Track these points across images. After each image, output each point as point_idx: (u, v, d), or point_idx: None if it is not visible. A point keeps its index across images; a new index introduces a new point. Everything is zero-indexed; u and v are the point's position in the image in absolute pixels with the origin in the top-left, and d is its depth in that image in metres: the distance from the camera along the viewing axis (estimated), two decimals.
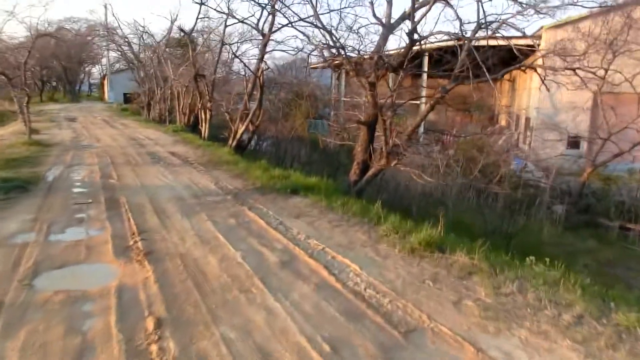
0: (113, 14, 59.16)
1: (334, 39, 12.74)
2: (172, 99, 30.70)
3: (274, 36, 19.77)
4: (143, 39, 40.17)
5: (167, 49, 34.61)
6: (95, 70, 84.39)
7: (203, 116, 23.12)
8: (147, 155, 16.19)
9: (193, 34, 25.85)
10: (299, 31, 19.42)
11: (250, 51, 48.18)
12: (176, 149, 17.85)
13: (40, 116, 35.57)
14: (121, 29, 42.96)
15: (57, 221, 8.11)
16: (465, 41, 10.45)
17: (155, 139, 21.40)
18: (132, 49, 43.02)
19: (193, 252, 6.48)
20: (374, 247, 6.59)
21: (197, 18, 23.53)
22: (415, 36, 10.90)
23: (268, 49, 19.91)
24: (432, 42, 12.45)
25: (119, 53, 47.70)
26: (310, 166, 27.37)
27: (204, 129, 22.86)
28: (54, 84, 77.46)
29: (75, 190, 10.71)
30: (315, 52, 15.90)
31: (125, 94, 59.49)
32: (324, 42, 12.96)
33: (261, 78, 18.53)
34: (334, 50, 12.91)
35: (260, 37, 19.68)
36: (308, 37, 15.63)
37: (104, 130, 25.86)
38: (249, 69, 19.02)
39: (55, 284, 5.59)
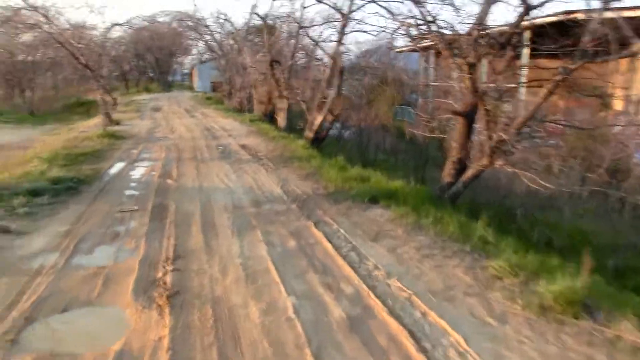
0: (195, 5, 59.67)
1: (423, 12, 10.61)
2: (250, 88, 29.70)
3: (355, 16, 17.89)
4: (224, 27, 39.70)
5: (247, 36, 33.69)
6: (187, 61, 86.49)
7: (279, 105, 21.71)
8: (216, 149, 14.95)
9: (273, 19, 24.41)
10: (382, 7, 17.28)
11: (334, 35, 46.42)
12: (248, 141, 16.51)
13: (128, 106, 36.16)
14: (204, 19, 42.80)
15: (90, 236, 6.82)
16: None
17: (229, 130, 20.31)
18: (215, 37, 42.74)
19: (231, 295, 4.82)
20: (483, 299, 4.57)
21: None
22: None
23: (348, 30, 18.05)
24: (542, 15, 10.01)
25: (204, 42, 47.71)
26: (395, 157, 25.43)
27: (280, 118, 21.46)
28: (151, 74, 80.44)
29: (127, 192, 9.52)
30: (400, 30, 13.82)
31: (212, 83, 60.37)
32: (411, 16, 10.89)
33: (339, 62, 16.69)
34: (423, 27, 10.80)
35: (340, 18, 17.86)
36: (392, 12, 13.60)
37: (183, 120, 25.30)
38: (327, 53, 17.24)
39: (42, 342, 4.14)
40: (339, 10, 17.74)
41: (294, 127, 22.29)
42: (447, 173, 9.98)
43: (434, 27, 10.51)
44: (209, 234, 6.80)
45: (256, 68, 24.83)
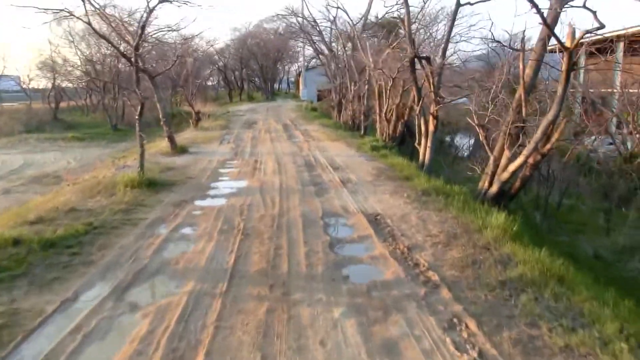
0: (304, 2, 52.91)
1: None
2: (369, 98, 21.94)
3: None
4: (336, 24, 32.41)
5: (365, 32, 26.08)
6: (293, 69, 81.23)
7: (423, 128, 13.66)
8: (322, 232, 7.22)
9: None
10: None
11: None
12: (382, 205, 8.65)
13: (216, 121, 30.00)
14: (312, 17, 35.86)
15: None
16: None
17: (343, 168, 12.60)
18: (323, 37, 35.67)
19: None
20: None
21: None
22: None
23: None
24: None
25: (308, 42, 41.01)
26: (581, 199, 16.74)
27: (424, 150, 13.40)
28: (256, 82, 76.10)
29: None
30: None
31: (318, 92, 54.15)
32: None
33: (574, 48, 8.17)
34: None
35: None
36: None
37: (276, 144, 18.08)
38: (548, 29, 8.69)
39: None
40: None
41: (441, 165, 14.22)
42: None
43: None
44: None
45: (382, 71, 16.98)
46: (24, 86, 43.35)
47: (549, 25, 7.92)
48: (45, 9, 13.96)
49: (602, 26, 6.92)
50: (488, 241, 6.43)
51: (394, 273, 5.57)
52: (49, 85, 40.91)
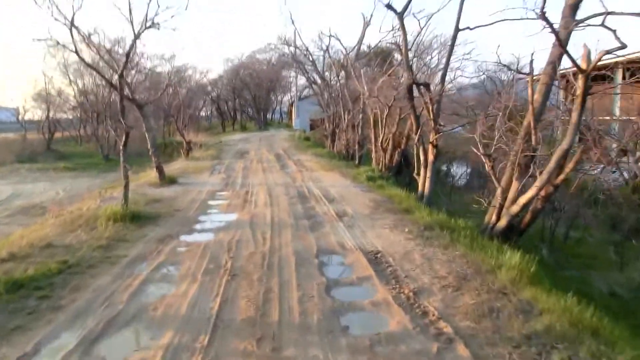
0: (297, 33, 52.47)
1: None
2: (364, 127, 21.49)
3: None
4: (329, 53, 32.19)
5: (358, 60, 25.82)
6: (286, 98, 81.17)
7: (422, 157, 13.09)
8: (317, 270, 6.57)
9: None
10: None
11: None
12: (382, 240, 8.00)
13: (208, 150, 29.46)
14: (305, 46, 35.69)
15: None
16: None
17: (339, 200, 11.97)
18: (316, 67, 35.48)
19: None
20: None
21: None
22: None
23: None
24: None
25: (301, 72, 40.88)
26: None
27: (423, 181, 12.81)
28: (250, 112, 75.94)
29: None
30: None
31: (311, 121, 53.91)
32: None
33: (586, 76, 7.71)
34: None
35: None
36: None
37: (268, 175, 17.47)
38: (565, 51, 8.21)
39: None
40: None
41: (436, 192, 13.61)
42: None
43: None
44: None
45: (378, 99, 16.54)
46: (20, 117, 43.04)
47: (564, 46, 7.42)
48: (35, 39, 13.55)
49: (623, 46, 6.41)
50: (504, 284, 5.76)
51: (400, 323, 4.88)
52: (44, 117, 40.53)
